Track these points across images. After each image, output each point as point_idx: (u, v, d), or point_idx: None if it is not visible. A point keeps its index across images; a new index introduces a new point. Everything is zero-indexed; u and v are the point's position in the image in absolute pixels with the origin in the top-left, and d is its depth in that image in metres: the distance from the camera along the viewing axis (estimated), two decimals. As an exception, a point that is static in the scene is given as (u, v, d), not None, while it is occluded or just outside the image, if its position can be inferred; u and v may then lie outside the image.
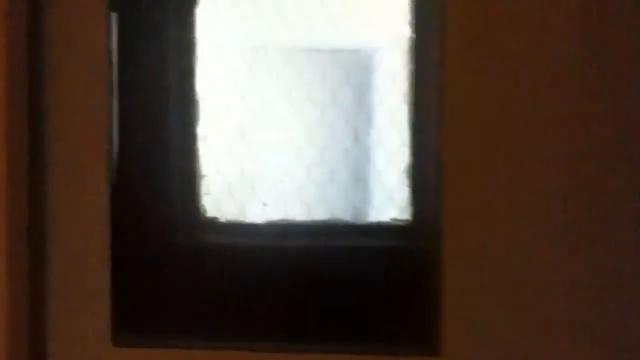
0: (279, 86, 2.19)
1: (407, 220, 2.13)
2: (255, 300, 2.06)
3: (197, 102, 2.01)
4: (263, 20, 2.10)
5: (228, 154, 2.07)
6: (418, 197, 2.13)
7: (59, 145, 1.99)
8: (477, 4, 1.98)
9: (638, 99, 2.02)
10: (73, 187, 1.99)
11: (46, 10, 1.97)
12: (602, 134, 2.02)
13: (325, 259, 2.09)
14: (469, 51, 1.99)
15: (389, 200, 2.13)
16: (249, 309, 2.06)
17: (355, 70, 2.14)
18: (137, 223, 2.02)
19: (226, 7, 2.09)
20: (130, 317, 2.03)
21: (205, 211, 2.07)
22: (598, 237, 2.04)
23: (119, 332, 2.01)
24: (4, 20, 1.79)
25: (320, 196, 2.11)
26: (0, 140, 1.82)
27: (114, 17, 1.97)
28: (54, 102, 1.99)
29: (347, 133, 2.15)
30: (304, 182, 2.12)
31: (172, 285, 2.03)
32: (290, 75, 2.18)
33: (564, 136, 2.02)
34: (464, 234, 2.00)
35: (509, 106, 2.00)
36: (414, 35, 2.12)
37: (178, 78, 2.01)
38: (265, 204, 2.09)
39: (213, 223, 2.09)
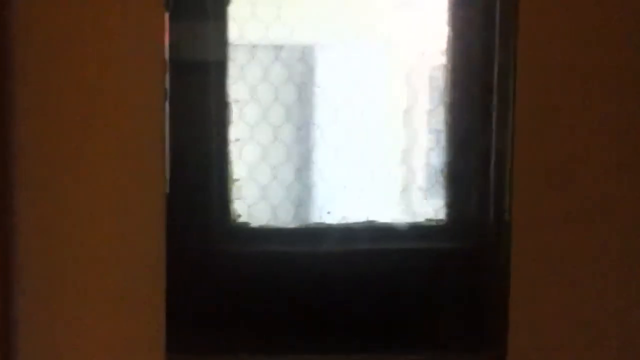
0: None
1: (442, 221, 2.10)
2: (292, 306, 2.03)
3: (230, 104, 1.88)
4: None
5: (262, 157, 1.96)
6: (453, 197, 2.10)
7: (111, 149, 1.93)
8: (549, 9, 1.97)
9: None
10: (127, 195, 1.93)
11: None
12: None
13: (361, 263, 2.06)
14: (540, 57, 1.99)
15: (423, 201, 2.03)
16: (285, 316, 2.03)
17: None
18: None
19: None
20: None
21: (237, 216, 2.03)
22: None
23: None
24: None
25: (355, 198, 2.01)
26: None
27: (166, 17, 1.88)
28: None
29: (385, 135, 2.05)
30: (341, 184, 2.02)
31: (204, 292, 1.99)
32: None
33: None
34: (531, 235, 1.99)
35: (575, 110, 2.00)
36: (452, 34, 2.08)
37: (212, 80, 1.86)
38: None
39: (244, 228, 2.04)
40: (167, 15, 1.87)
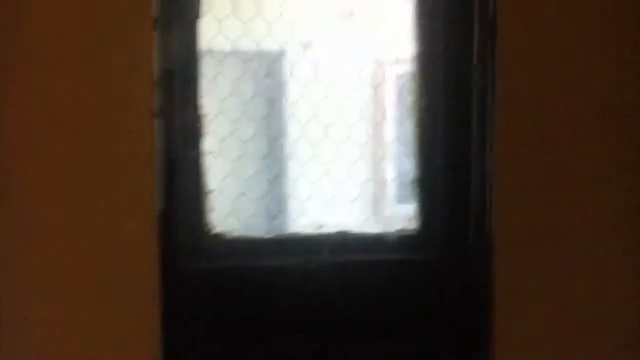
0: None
1: (414, 231, 2.08)
2: (267, 319, 1.98)
3: (202, 117, 1.83)
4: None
5: (233, 169, 1.92)
6: (424, 209, 2.07)
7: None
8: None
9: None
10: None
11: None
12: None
13: (335, 274, 2.02)
14: (520, 73, 2.00)
15: (395, 212, 2.01)
16: (260, 329, 1.98)
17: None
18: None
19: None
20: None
21: (212, 227, 1.99)
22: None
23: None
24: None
25: (327, 209, 1.97)
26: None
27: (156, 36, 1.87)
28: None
29: (351, 148, 2.02)
30: (310, 196, 1.98)
31: (177, 305, 1.91)
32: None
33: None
34: (514, 251, 2.00)
35: (555, 128, 2.01)
36: (420, 50, 2.07)
37: (183, 93, 1.81)
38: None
39: (219, 239, 1.99)
40: (155, 34, 1.81)
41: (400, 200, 2.09)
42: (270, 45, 2.03)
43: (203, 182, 1.96)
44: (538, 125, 2.00)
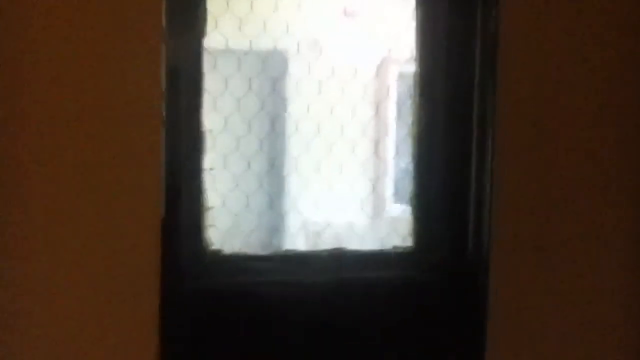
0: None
1: (409, 248, 2.08)
2: (265, 335, 1.98)
3: (203, 133, 1.84)
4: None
5: (234, 185, 1.94)
6: (421, 226, 2.08)
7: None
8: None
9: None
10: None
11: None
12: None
13: (332, 290, 2.01)
14: (520, 89, 2.01)
15: (392, 229, 2.03)
16: (258, 345, 1.98)
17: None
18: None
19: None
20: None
21: (210, 244, 1.99)
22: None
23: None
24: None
25: (326, 225, 2.00)
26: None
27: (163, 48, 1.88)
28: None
29: (354, 164, 2.04)
30: (311, 212, 2.01)
31: (177, 321, 1.91)
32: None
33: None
34: (512, 268, 2.02)
35: (554, 146, 2.03)
36: (419, 69, 2.08)
37: (186, 110, 1.82)
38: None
39: (217, 255, 1.99)
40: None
41: (399, 216, 2.11)
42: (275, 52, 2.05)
43: (203, 198, 1.96)
44: (539, 143, 2.02)
